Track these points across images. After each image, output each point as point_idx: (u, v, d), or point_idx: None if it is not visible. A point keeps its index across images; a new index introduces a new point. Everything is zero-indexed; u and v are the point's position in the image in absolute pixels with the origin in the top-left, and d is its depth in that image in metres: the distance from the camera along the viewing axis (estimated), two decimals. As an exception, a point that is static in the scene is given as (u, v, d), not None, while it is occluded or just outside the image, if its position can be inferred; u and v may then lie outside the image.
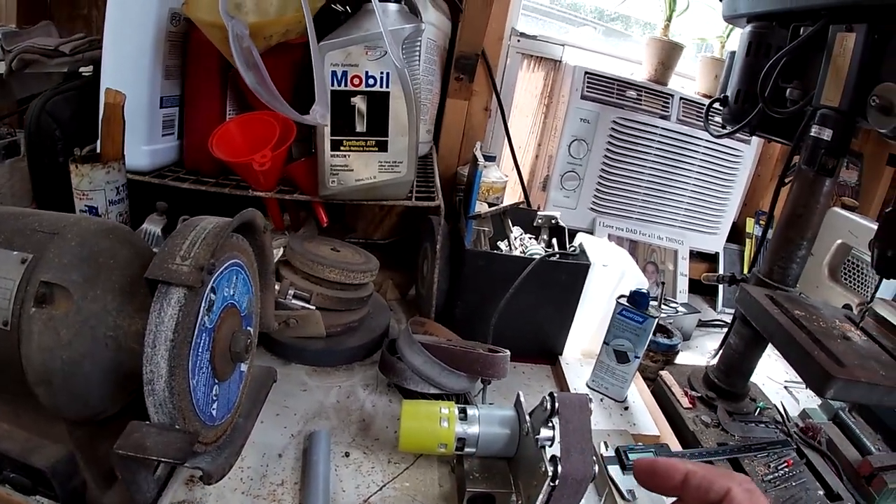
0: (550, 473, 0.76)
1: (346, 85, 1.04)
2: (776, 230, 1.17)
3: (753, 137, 1.76)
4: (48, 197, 1.18)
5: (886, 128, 0.89)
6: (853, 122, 0.99)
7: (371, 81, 1.04)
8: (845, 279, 1.69)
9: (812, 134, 1.03)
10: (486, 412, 0.92)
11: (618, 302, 1.20)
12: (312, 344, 1.15)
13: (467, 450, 0.90)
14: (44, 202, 1.19)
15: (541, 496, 0.78)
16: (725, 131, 1.29)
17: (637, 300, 1.18)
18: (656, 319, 1.17)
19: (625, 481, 0.96)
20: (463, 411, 0.92)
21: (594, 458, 0.80)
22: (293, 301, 1.11)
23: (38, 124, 1.14)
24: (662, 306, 1.54)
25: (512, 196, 1.81)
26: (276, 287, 1.07)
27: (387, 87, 1.05)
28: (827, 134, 1.01)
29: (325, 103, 1.00)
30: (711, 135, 1.35)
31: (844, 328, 1.06)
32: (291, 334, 1.12)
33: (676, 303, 1.69)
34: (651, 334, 1.19)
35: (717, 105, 1.29)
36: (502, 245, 1.36)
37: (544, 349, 1.35)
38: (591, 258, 1.28)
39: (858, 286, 1.65)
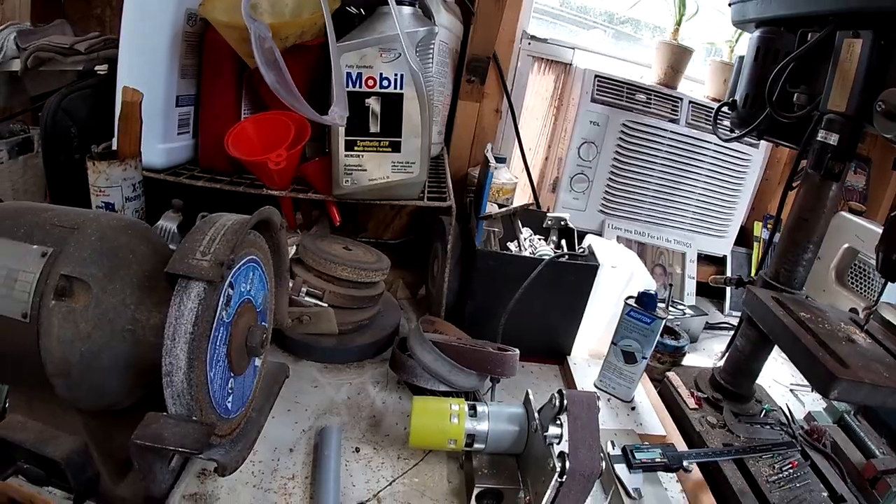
0: (558, 469, 0.78)
1: (360, 86, 1.05)
2: (783, 234, 1.18)
3: (762, 141, 1.78)
4: (63, 193, 1.20)
5: (892, 133, 0.90)
6: (859, 127, 1.00)
7: (385, 83, 1.06)
8: (852, 283, 1.69)
9: (819, 138, 1.04)
10: (496, 409, 0.94)
11: (626, 303, 1.21)
12: (324, 341, 1.17)
13: (476, 446, 0.92)
14: (59, 198, 1.21)
15: (548, 491, 0.79)
16: (734, 135, 1.29)
17: (645, 301, 1.19)
18: (664, 321, 1.18)
19: (631, 480, 0.97)
20: (473, 408, 0.93)
21: (601, 454, 0.81)
22: (306, 298, 1.12)
23: (55, 121, 1.16)
24: (670, 308, 1.54)
25: (522, 197, 1.82)
26: (290, 284, 1.09)
27: (400, 88, 1.06)
28: (833, 139, 1.02)
29: (343, 104, 1.01)
30: (720, 139, 1.35)
31: (849, 331, 1.06)
32: (304, 331, 1.14)
33: (684, 305, 1.70)
34: (658, 335, 1.20)
35: (725, 109, 1.30)
36: (512, 246, 1.37)
37: (552, 349, 1.36)
38: (600, 260, 1.29)
39: (865, 290, 1.65)
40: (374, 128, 1.09)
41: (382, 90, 1.06)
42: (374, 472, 0.94)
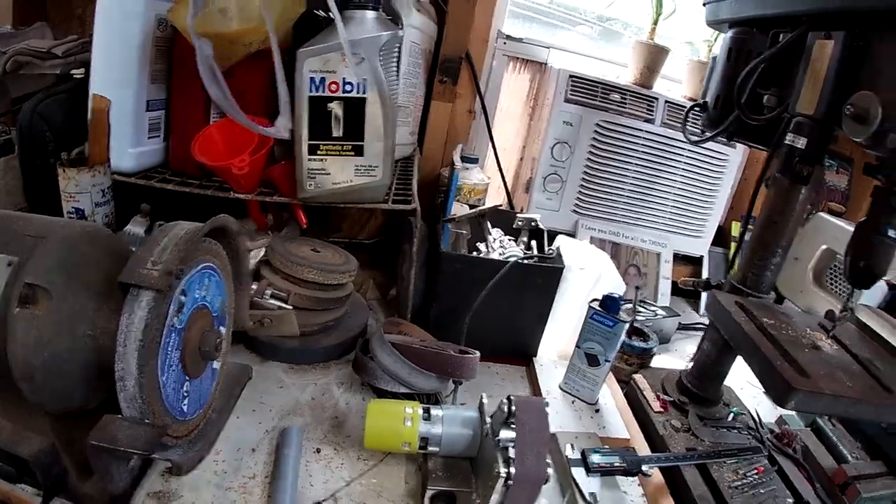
0: (504, 475, 0.82)
1: (323, 91, 1.10)
2: (751, 237, 1.20)
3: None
4: (39, 197, 1.23)
5: (861, 137, 0.92)
6: (829, 131, 1.03)
7: (348, 87, 1.10)
8: (830, 285, 1.73)
9: (787, 142, 1.07)
10: (450, 413, 0.98)
11: (590, 306, 1.24)
12: (290, 342, 1.20)
13: (430, 448, 0.96)
14: (35, 202, 1.25)
15: (495, 496, 0.83)
16: (702, 137, 1.33)
17: (608, 304, 1.22)
18: (627, 324, 1.21)
19: (587, 484, 1.00)
20: (427, 411, 0.97)
21: (549, 461, 0.85)
22: (270, 300, 1.16)
23: (31, 126, 1.19)
24: (641, 309, 1.59)
25: (496, 198, 1.86)
26: (254, 286, 1.14)
27: (363, 93, 1.11)
28: (801, 142, 1.04)
29: (287, 115, 1.06)
30: (688, 140, 1.39)
31: (815, 337, 1.08)
32: (266, 333, 1.17)
33: (656, 306, 1.73)
34: (622, 338, 1.23)
35: (697, 110, 1.32)
36: (482, 247, 1.40)
37: (519, 350, 1.39)
38: (569, 261, 1.32)
39: (843, 291, 1.68)
40: (337, 132, 1.13)
41: (345, 94, 1.10)
42: (333, 472, 0.98)
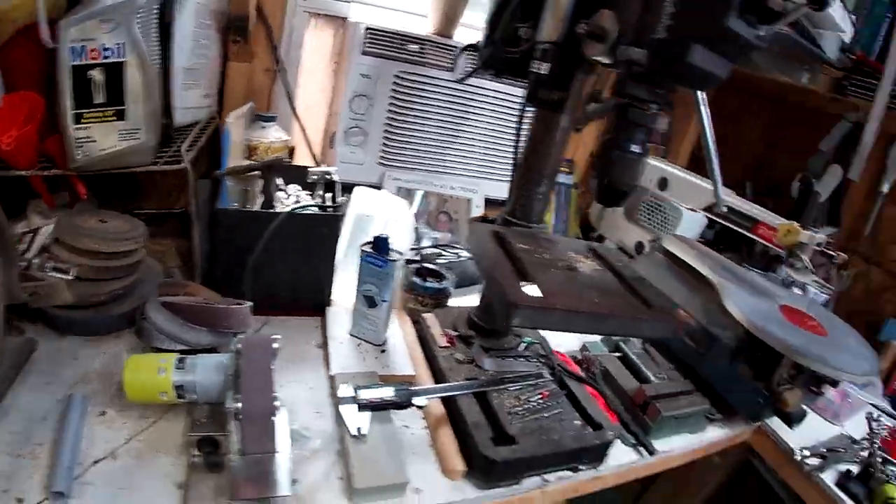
0: (233, 410, 0.93)
1: (84, 59, 1.16)
2: (518, 168, 1.32)
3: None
4: None
5: (599, 54, 1.04)
6: (573, 55, 1.13)
7: (107, 53, 1.17)
8: (643, 219, 1.92)
9: (532, 70, 1.19)
10: (204, 360, 1.08)
11: (361, 249, 1.34)
12: (81, 315, 1.27)
13: (189, 397, 1.06)
14: None
15: (233, 433, 0.94)
16: (466, 74, 1.48)
17: (380, 246, 1.33)
18: (397, 262, 1.32)
19: (355, 420, 1.12)
20: (182, 361, 1.07)
21: (275, 395, 0.96)
22: (51, 273, 1.21)
23: None
24: (445, 252, 1.72)
25: (306, 156, 1.98)
26: (37, 260, 1.22)
27: (122, 57, 1.18)
28: (545, 68, 1.16)
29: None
30: (457, 80, 1.49)
31: (575, 259, 1.20)
32: (42, 304, 1.22)
33: (461, 248, 1.84)
34: (395, 278, 1.34)
35: (472, 50, 1.45)
36: (277, 203, 1.49)
37: (314, 301, 1.49)
38: (363, 210, 1.44)
39: (656, 225, 1.87)
40: (99, 98, 1.19)
41: (105, 60, 1.17)
42: (116, 431, 1.07)
